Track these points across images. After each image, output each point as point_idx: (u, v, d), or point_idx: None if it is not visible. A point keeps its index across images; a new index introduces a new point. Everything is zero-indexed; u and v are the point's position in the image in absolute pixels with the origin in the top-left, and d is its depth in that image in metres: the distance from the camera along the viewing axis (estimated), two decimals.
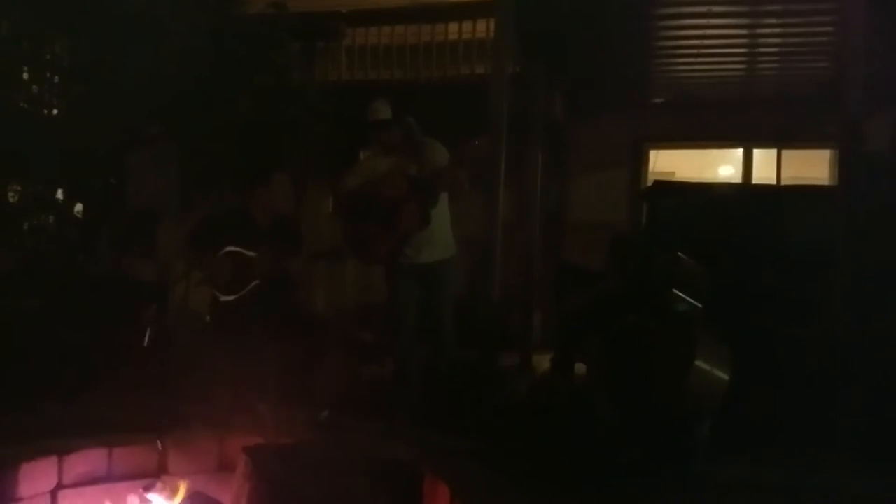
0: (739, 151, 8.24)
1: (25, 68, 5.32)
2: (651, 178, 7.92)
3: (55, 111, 5.59)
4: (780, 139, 7.77)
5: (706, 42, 6.12)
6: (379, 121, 4.22)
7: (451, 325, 4.24)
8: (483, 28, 7.03)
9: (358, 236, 4.31)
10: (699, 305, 3.55)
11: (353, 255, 4.38)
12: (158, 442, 2.86)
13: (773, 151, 7.97)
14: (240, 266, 4.00)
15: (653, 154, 8.36)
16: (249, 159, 5.15)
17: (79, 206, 5.54)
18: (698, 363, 3.28)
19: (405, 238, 4.14)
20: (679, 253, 3.70)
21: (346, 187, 4.34)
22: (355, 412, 3.78)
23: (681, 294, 3.55)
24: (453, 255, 4.29)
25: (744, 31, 6.08)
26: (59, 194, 5.43)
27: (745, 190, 6.80)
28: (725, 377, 3.32)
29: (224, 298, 4.04)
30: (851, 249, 4.08)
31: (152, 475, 2.82)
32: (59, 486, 2.66)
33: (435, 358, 4.30)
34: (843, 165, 4.51)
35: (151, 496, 2.74)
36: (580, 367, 4.49)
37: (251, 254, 4.05)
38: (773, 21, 5.84)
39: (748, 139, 7.97)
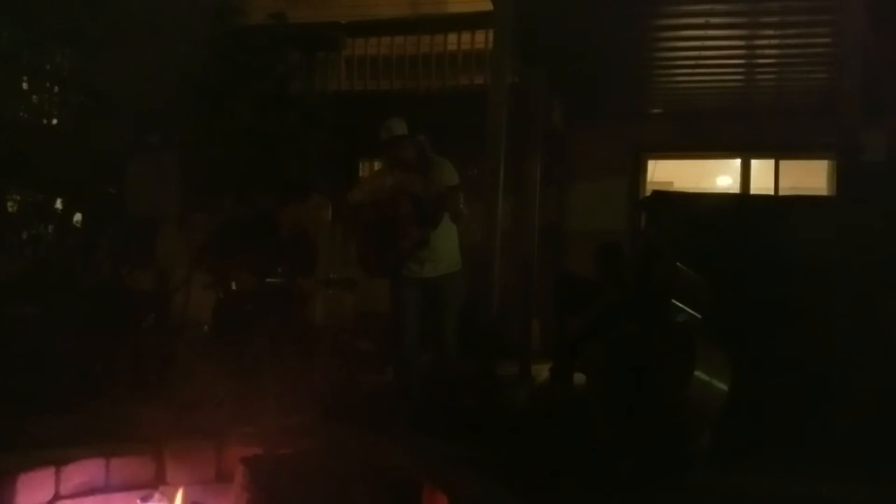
0: (737, 162, 8.27)
1: (25, 78, 5.34)
2: (649, 188, 7.94)
3: (55, 120, 5.60)
4: (778, 150, 7.80)
5: (704, 53, 6.15)
6: (394, 138, 4.26)
7: (454, 338, 4.26)
8: (482, 39, 7.06)
9: (361, 250, 4.37)
10: (698, 315, 3.56)
11: (358, 267, 4.42)
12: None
13: (771, 162, 8.00)
14: (252, 273, 4.00)
15: (651, 164, 8.39)
16: (268, 170, 5.17)
17: (78, 216, 5.54)
18: (697, 373, 3.28)
19: (404, 256, 4.19)
20: (678, 263, 3.71)
21: (353, 200, 4.40)
22: (354, 421, 3.77)
23: (680, 304, 3.55)
24: (457, 269, 4.34)
25: (742, 42, 6.10)
26: (58, 203, 5.43)
27: (743, 200, 6.81)
28: (724, 387, 3.32)
29: (227, 300, 4.04)
30: (849, 259, 4.08)
31: (150, 486, 2.80)
32: (57, 496, 2.64)
33: (435, 368, 4.31)
34: (840, 175, 4.53)
35: None
36: (579, 377, 4.49)
37: (266, 263, 4.05)
38: (771, 32, 5.87)
39: (746, 150, 8.00)
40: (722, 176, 9.12)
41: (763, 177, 8.03)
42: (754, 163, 8.12)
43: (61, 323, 4.61)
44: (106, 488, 2.76)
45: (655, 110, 7.87)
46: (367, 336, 6.16)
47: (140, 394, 4.50)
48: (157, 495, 2.75)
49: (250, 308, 3.98)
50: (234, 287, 4.09)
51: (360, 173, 7.99)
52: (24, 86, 5.39)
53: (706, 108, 7.43)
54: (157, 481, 2.83)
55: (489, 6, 5.17)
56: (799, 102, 6.93)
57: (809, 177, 8.02)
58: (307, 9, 7.18)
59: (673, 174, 8.84)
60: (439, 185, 4.15)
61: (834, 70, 5.96)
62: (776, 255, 4.31)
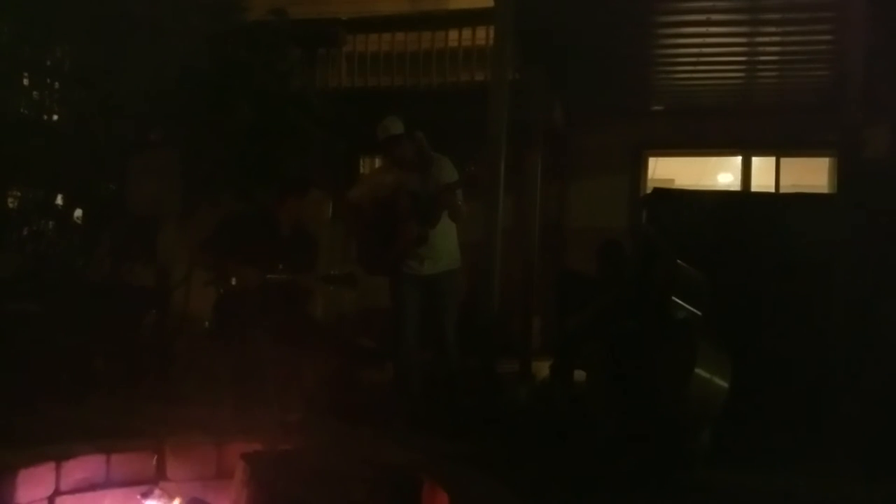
0: (738, 159, 8.26)
1: (26, 74, 5.34)
2: (650, 186, 7.93)
3: (55, 117, 5.60)
4: (779, 147, 7.79)
5: (705, 50, 6.14)
6: (392, 136, 4.25)
7: (454, 335, 4.26)
8: (483, 35, 7.06)
9: (361, 248, 4.37)
10: (699, 313, 3.55)
11: (357, 265, 4.42)
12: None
13: (772, 159, 7.99)
14: (253, 268, 3.99)
15: (652, 161, 8.39)
16: (269, 166, 5.17)
17: (78, 212, 5.55)
18: (698, 370, 3.28)
19: (404, 254, 4.19)
20: (678, 260, 3.70)
21: (353, 198, 4.40)
22: (354, 418, 3.78)
23: (680, 301, 3.55)
24: (457, 267, 4.34)
25: (743, 40, 6.09)
26: (59, 199, 5.44)
27: (744, 197, 6.80)
28: (725, 384, 3.32)
29: (228, 296, 4.03)
30: (850, 256, 4.08)
31: (150, 482, 2.81)
32: (57, 492, 2.65)
33: (435, 365, 4.32)
34: (841, 173, 4.52)
35: (149, 503, 2.74)
36: (580, 374, 4.49)
37: (266, 259, 4.03)
38: (773, 29, 5.86)
39: (747, 147, 7.99)
40: (723, 173, 9.11)
41: (764, 174, 8.03)
42: (755, 160, 8.11)
43: (62, 319, 4.61)
44: (106, 484, 2.76)
45: (656, 107, 7.86)
46: (367, 333, 6.17)
47: (141, 390, 4.51)
48: (157, 491, 2.76)
49: (251, 304, 3.96)
50: (234, 283, 4.08)
51: (361, 170, 7.99)
52: (25, 82, 5.39)
53: (707, 106, 7.43)
54: (158, 477, 2.84)
55: (490, 2, 5.16)
56: (800, 99, 6.92)
57: (810, 174, 8.01)
58: (307, 5, 7.17)
59: (674, 171, 8.83)
60: (438, 183, 4.14)
61: (835, 67, 5.95)
62: (777, 253, 4.31)
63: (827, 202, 5.18)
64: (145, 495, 2.74)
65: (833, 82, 6.02)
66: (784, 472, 3.40)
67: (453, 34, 7.41)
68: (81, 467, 2.71)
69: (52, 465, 2.63)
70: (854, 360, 3.92)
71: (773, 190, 7.75)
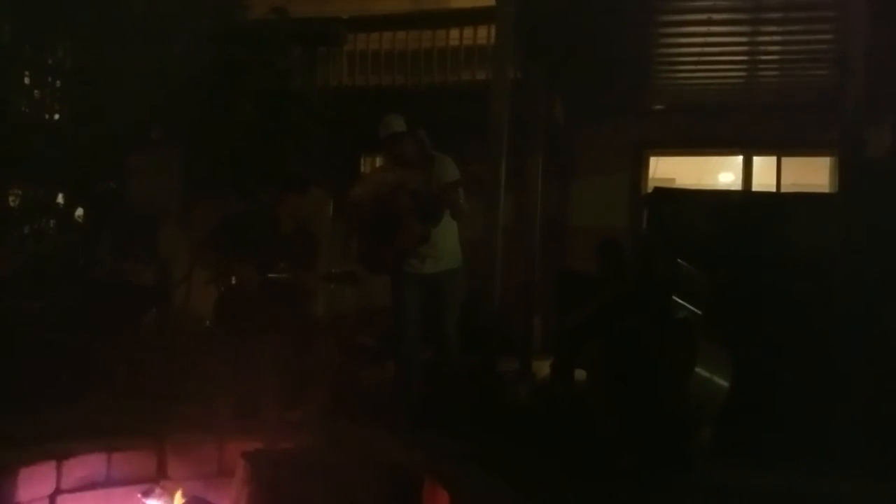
0: (739, 158, 8.26)
1: (27, 72, 5.34)
2: (651, 185, 7.93)
3: (56, 115, 5.61)
4: (780, 146, 7.79)
5: (707, 49, 6.13)
6: (393, 134, 4.25)
7: (455, 334, 4.26)
8: (484, 34, 7.06)
9: (362, 247, 4.37)
10: (699, 312, 3.56)
11: (359, 264, 4.42)
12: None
13: (773, 158, 7.98)
14: (254, 267, 3.99)
15: (653, 161, 8.38)
16: (270, 165, 5.18)
17: (79, 211, 5.56)
18: (698, 369, 3.29)
19: (406, 253, 4.19)
20: (679, 259, 3.70)
21: (354, 197, 4.40)
22: (356, 417, 3.78)
23: (681, 300, 3.55)
24: (459, 265, 4.34)
25: (744, 39, 6.09)
26: (60, 198, 5.44)
27: (745, 197, 6.80)
28: (725, 383, 3.32)
29: (228, 295, 4.04)
30: (851, 256, 4.08)
31: (151, 480, 2.81)
32: (58, 490, 2.65)
33: (436, 364, 4.32)
34: (842, 172, 4.52)
35: (150, 501, 2.74)
36: (580, 373, 4.49)
37: (267, 258, 4.04)
38: (774, 28, 5.86)
39: (748, 146, 7.99)
40: (724, 172, 9.10)
41: (765, 173, 8.02)
42: (756, 159, 8.10)
43: (63, 317, 4.61)
44: (107, 483, 2.77)
45: (658, 106, 7.86)
46: (368, 332, 6.17)
47: (142, 388, 4.52)
48: (157, 490, 2.76)
49: (252, 303, 3.97)
50: (235, 282, 4.09)
51: (362, 168, 7.99)
52: (26, 80, 5.40)
53: (708, 105, 7.42)
54: (159, 476, 2.84)
55: (491, 1, 5.16)
56: (801, 99, 6.91)
57: (812, 173, 8.01)
58: (309, 3, 7.17)
59: (675, 171, 8.82)
60: (440, 181, 4.14)
61: (836, 66, 5.94)
62: (778, 252, 4.31)
63: (828, 202, 5.18)
64: (146, 494, 2.74)
65: (834, 81, 6.01)
66: (784, 472, 3.40)
67: (454, 33, 7.40)
68: (82, 466, 2.71)
69: (52, 463, 2.64)
70: (854, 360, 3.92)
71: (774, 189, 7.74)
